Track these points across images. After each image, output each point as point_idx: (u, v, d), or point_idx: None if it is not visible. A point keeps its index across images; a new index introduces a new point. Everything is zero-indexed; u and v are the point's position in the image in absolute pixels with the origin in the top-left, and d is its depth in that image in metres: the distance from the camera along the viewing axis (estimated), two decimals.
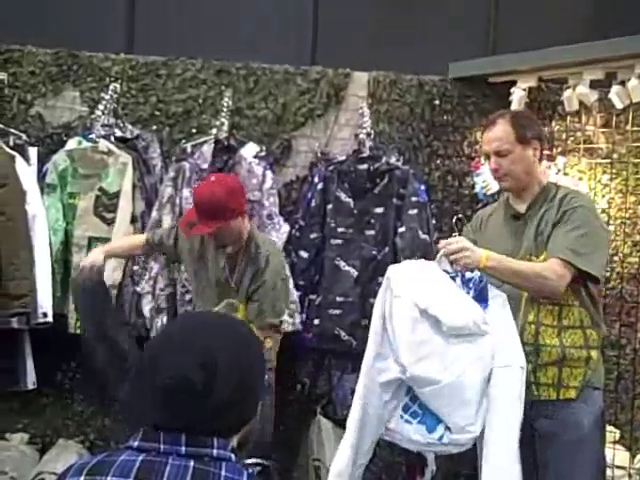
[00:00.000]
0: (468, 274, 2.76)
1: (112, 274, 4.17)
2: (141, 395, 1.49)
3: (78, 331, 4.17)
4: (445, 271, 2.76)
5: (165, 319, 4.17)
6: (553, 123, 4.72)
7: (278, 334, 3.62)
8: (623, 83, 4.18)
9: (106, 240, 4.23)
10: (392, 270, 2.83)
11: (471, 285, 2.75)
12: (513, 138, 2.98)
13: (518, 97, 4.51)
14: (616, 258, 4.54)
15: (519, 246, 2.99)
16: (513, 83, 4.55)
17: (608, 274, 4.52)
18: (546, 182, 3.12)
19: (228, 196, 3.43)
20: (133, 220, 4.27)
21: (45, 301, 4.09)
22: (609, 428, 4.38)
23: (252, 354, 1.60)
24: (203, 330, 1.56)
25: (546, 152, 4.64)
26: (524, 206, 3.05)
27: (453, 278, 2.75)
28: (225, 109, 4.47)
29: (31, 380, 4.21)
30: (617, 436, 4.32)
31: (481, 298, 2.74)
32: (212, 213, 3.35)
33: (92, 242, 4.27)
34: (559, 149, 4.71)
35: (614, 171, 4.63)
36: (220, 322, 1.66)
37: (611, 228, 4.57)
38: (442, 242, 2.81)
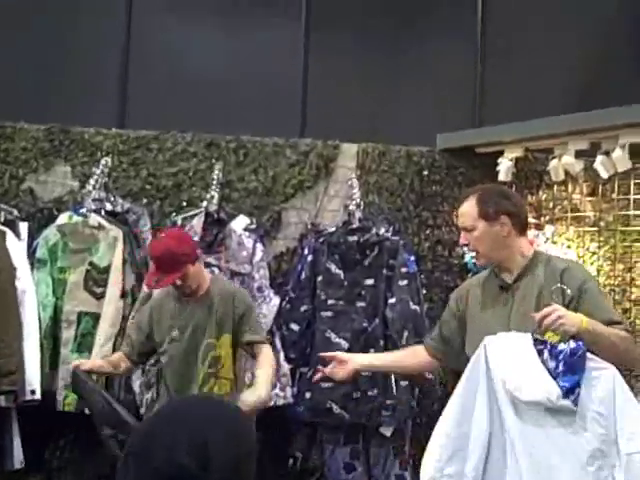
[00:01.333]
0: (561, 345, 2.65)
1: (102, 349, 4.15)
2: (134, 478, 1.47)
3: (67, 408, 4.13)
4: (536, 342, 2.69)
5: (155, 394, 4.13)
6: (540, 192, 4.77)
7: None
8: (608, 153, 4.24)
9: (96, 315, 4.22)
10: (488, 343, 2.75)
11: (560, 357, 2.63)
12: (476, 214, 2.99)
13: (505, 167, 4.57)
14: None
15: (506, 316, 2.96)
16: (500, 153, 4.61)
17: None
18: (531, 253, 3.06)
19: (180, 244, 3.61)
20: (123, 295, 4.25)
21: (34, 378, 4.03)
22: None
23: (246, 439, 1.58)
24: (197, 415, 1.55)
25: (534, 221, 4.71)
26: (511, 277, 3.02)
27: (540, 351, 2.66)
28: (215, 182, 4.52)
29: (18, 459, 4.12)
30: None
31: (573, 370, 2.61)
32: (171, 263, 3.50)
33: (82, 317, 4.25)
34: (547, 217, 4.75)
35: (602, 239, 4.66)
36: (212, 407, 1.65)
37: None
38: (536, 315, 2.70)
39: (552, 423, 2.61)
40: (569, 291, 2.84)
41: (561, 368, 2.61)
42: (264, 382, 3.50)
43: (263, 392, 3.43)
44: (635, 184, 4.51)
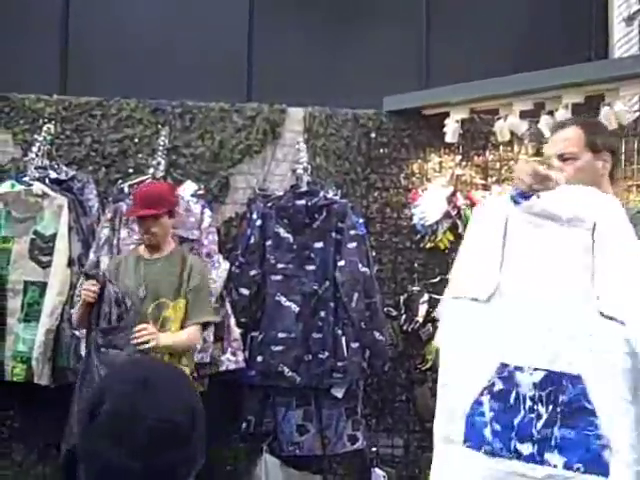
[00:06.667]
0: None
1: (49, 318, 4.10)
2: (115, 442, 1.44)
3: (15, 378, 4.08)
4: None
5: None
6: (487, 153, 4.82)
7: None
8: (551, 113, 4.29)
9: (42, 284, 4.16)
10: None
11: None
12: (583, 143, 2.65)
13: (452, 129, 4.60)
14: None
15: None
16: (447, 115, 4.63)
17: None
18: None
19: (164, 189, 3.98)
20: (70, 263, 4.20)
21: None
22: None
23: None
24: (179, 380, 1.58)
25: (481, 182, 4.76)
26: None
27: None
28: (161, 148, 4.46)
29: None
30: None
31: None
32: (151, 200, 3.75)
33: (28, 286, 4.19)
34: (494, 178, 4.80)
35: None
36: (180, 372, 1.67)
37: None
38: None
39: None
40: None
41: None
42: (177, 335, 3.63)
43: (170, 341, 3.57)
44: None
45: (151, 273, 3.70)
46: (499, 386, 2.26)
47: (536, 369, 2.21)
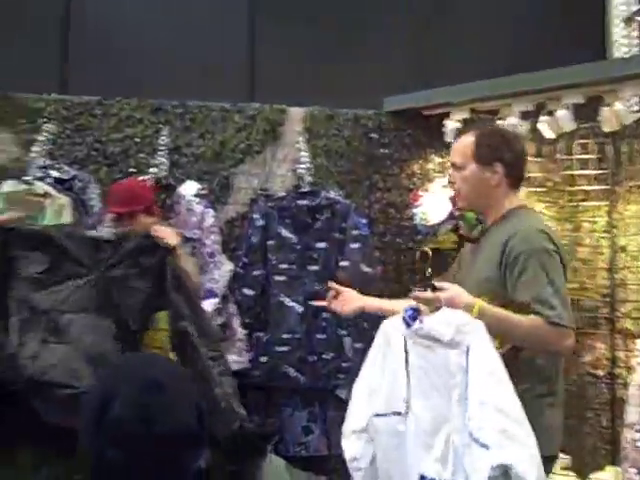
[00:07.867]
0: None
1: None
2: (126, 447, 1.42)
3: None
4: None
5: None
6: None
7: None
8: (551, 113, 4.30)
9: None
10: None
11: None
12: (470, 154, 2.73)
13: (451, 129, 4.60)
14: None
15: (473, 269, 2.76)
16: (447, 115, 4.64)
17: None
18: (513, 207, 2.78)
19: (139, 186, 4.03)
20: None
21: None
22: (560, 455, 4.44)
23: None
24: (177, 372, 1.57)
25: None
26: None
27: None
28: (163, 147, 4.44)
29: None
30: (569, 462, 4.36)
31: None
32: (124, 197, 3.82)
33: None
34: None
35: (549, 199, 4.74)
36: (175, 363, 1.65)
37: None
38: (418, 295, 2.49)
39: None
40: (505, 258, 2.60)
41: None
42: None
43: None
44: (579, 144, 4.60)
45: None
46: None
47: None
